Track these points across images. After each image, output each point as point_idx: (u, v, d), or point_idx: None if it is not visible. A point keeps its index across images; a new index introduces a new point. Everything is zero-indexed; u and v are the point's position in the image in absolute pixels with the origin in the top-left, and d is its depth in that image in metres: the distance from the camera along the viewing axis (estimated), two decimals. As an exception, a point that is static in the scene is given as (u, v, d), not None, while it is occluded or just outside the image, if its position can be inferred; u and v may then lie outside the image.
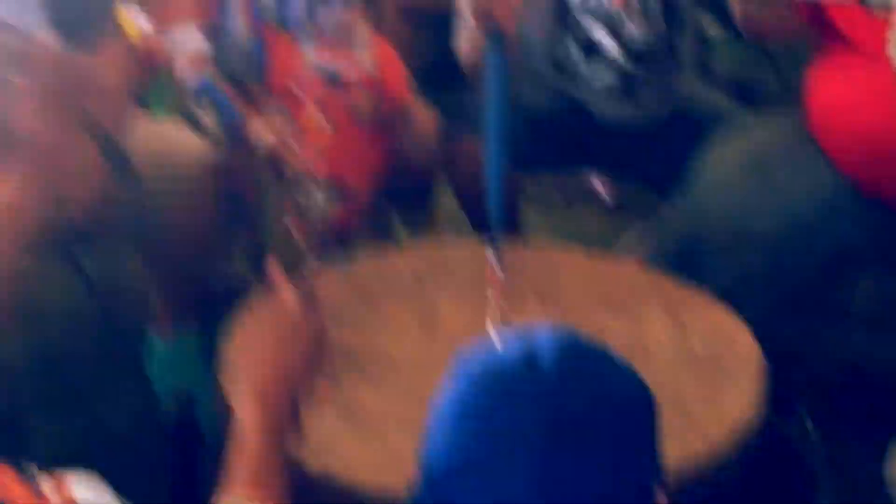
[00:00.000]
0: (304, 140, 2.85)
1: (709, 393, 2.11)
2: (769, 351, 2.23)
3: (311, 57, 2.93)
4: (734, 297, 2.46)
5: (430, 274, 2.47)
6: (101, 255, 3.15)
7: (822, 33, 2.66)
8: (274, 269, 1.62)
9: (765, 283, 2.63)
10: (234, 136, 2.84)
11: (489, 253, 2.25)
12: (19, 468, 1.26)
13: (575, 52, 2.94)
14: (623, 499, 1.22)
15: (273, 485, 1.51)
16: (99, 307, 3.15)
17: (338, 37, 2.93)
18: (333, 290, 2.39)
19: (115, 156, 2.31)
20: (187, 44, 2.91)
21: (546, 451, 1.19)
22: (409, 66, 3.14)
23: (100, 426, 2.86)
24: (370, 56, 2.95)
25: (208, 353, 2.32)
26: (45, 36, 2.59)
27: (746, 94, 4.35)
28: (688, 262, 2.68)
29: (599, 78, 2.95)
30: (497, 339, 1.30)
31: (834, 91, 2.64)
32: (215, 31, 2.93)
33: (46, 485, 1.27)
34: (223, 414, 2.09)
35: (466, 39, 2.87)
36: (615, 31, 2.93)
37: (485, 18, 2.51)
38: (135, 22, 2.95)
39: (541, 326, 1.29)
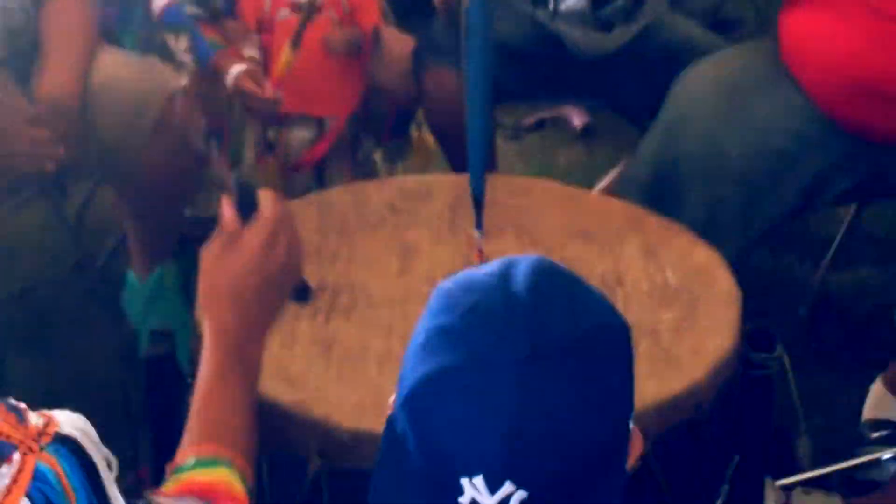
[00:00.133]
0: (277, 71, 2.83)
1: (685, 328, 2.11)
2: (744, 284, 2.23)
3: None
4: (707, 228, 2.46)
5: (408, 207, 2.46)
6: (76, 192, 3.15)
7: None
8: (226, 206, 1.60)
9: (738, 214, 2.63)
10: (206, 68, 2.82)
11: (472, 205, 2.22)
12: (6, 403, 1.26)
13: (548, -20, 2.93)
14: (599, 424, 1.21)
15: (238, 428, 1.51)
16: (74, 244, 3.15)
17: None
18: (309, 223, 2.39)
19: None
20: None
21: (521, 365, 1.19)
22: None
23: (76, 363, 2.87)
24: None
25: (185, 290, 2.32)
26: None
27: (721, 23, 4.34)
28: (662, 192, 2.67)
29: (571, 4, 2.93)
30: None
31: (807, 20, 2.63)
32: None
33: (34, 419, 1.26)
34: (200, 351, 2.10)
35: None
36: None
37: None
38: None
39: (517, 256, 1.29)
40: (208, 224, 2.84)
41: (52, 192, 3.00)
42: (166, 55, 2.85)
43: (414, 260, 2.29)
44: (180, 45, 2.84)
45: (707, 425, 2.02)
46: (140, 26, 2.97)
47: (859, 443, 2.56)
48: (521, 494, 1.18)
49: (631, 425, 1.26)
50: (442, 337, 1.22)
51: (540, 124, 3.85)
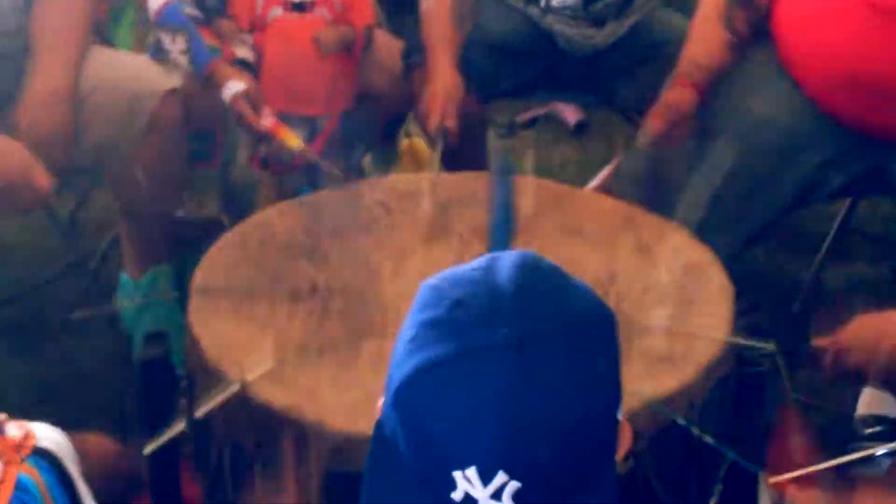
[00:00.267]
0: (269, 72, 2.82)
1: (679, 326, 2.11)
2: (738, 281, 2.23)
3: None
4: (702, 225, 2.47)
5: (400, 207, 2.46)
6: (69, 192, 3.14)
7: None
8: None
9: (733, 211, 2.63)
10: (202, 73, 2.81)
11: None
12: None
13: (540, -23, 2.93)
14: (589, 410, 1.22)
15: None
16: (67, 245, 3.15)
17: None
18: (301, 224, 2.39)
19: None
20: None
21: (509, 352, 1.19)
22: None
23: (70, 365, 2.87)
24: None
25: (178, 292, 2.32)
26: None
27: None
28: (656, 189, 2.67)
29: (563, 0, 2.93)
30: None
31: (800, 14, 2.63)
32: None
33: (12, 431, 1.27)
34: (192, 354, 2.10)
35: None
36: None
37: None
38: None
39: (501, 252, 1.30)
40: (202, 226, 2.86)
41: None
42: (160, 55, 2.84)
43: (407, 261, 2.29)
44: (177, 45, 2.83)
45: (700, 423, 2.01)
46: (132, 25, 2.96)
47: (853, 439, 2.55)
48: (514, 485, 1.18)
49: (620, 417, 1.26)
50: (429, 330, 1.22)
51: (533, 121, 3.85)
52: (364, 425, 1.70)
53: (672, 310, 2.15)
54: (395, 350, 1.25)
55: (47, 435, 1.36)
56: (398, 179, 2.66)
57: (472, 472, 1.18)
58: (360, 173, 3.05)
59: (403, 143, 3.16)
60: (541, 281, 1.25)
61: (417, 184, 2.56)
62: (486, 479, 1.18)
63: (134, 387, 2.24)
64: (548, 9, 2.94)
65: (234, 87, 2.77)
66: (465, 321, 1.22)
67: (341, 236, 2.36)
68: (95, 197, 3.27)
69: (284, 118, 2.88)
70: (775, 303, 3.02)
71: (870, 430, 2.62)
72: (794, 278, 3.15)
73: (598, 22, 2.96)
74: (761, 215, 2.66)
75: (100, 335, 2.94)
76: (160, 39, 2.85)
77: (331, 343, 2.08)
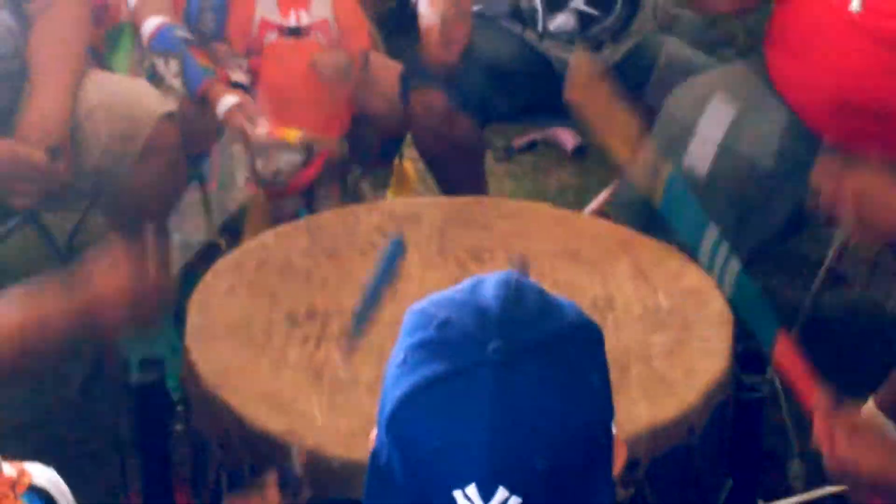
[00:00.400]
0: (265, 96, 2.82)
1: (677, 351, 2.11)
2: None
3: (272, 11, 2.90)
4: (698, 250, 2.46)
5: (397, 231, 2.45)
6: (64, 214, 3.14)
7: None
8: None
9: (728, 235, 2.63)
10: (195, 94, 2.81)
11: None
12: None
13: (537, 1, 2.93)
14: (583, 421, 1.22)
15: None
16: (64, 267, 3.13)
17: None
18: (298, 248, 2.38)
19: None
20: None
21: (500, 367, 1.20)
22: (371, 14, 3.12)
23: (65, 389, 2.86)
24: (331, 8, 2.93)
25: (175, 317, 2.31)
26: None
27: (711, 42, 4.35)
28: (653, 214, 2.67)
29: (560, 24, 2.93)
30: None
31: (792, 37, 2.64)
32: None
33: (7, 469, 1.27)
34: (188, 379, 2.09)
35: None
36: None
37: None
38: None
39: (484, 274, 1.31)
40: (200, 250, 2.85)
41: (40, 217, 2.99)
42: (155, 79, 2.84)
43: (404, 285, 2.28)
44: (170, 69, 2.83)
45: (699, 449, 2.01)
46: (129, 50, 2.96)
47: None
48: (515, 500, 1.18)
49: (614, 431, 1.27)
50: (419, 352, 1.23)
51: (531, 145, 3.85)
52: (362, 451, 1.70)
53: (670, 335, 2.15)
54: (386, 378, 1.26)
55: (42, 474, 1.36)
56: (396, 203, 2.65)
57: (472, 490, 1.18)
58: (356, 195, 3.05)
59: (398, 166, 3.16)
60: (525, 297, 1.26)
61: (415, 208, 2.56)
62: (486, 496, 1.18)
63: (130, 411, 2.24)
64: (545, 33, 2.95)
65: (228, 101, 2.78)
66: (455, 339, 1.22)
67: (339, 259, 2.36)
68: (92, 220, 3.26)
69: (280, 143, 2.88)
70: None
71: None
72: (790, 303, 3.14)
73: (595, 46, 2.97)
74: (756, 239, 2.66)
75: (96, 359, 2.93)
76: (154, 64, 2.85)
77: (328, 367, 2.07)
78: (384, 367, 1.26)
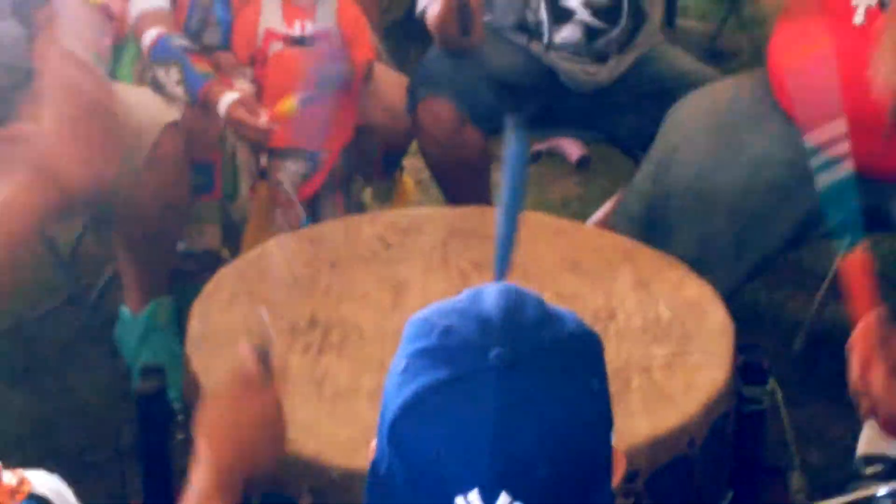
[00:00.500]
0: (270, 106, 2.83)
1: (678, 363, 2.11)
2: (738, 318, 2.23)
3: (276, 21, 2.91)
4: (700, 261, 2.46)
5: (400, 241, 2.46)
6: (69, 225, 3.14)
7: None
8: (245, 351, 1.63)
9: (730, 248, 2.63)
10: (197, 98, 2.82)
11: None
12: None
13: (543, 14, 2.93)
14: (584, 426, 1.23)
15: None
16: (67, 278, 3.14)
17: (302, 0, 2.91)
18: (301, 258, 2.38)
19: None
20: (146, 1, 2.88)
21: (501, 373, 1.21)
22: (376, 25, 3.12)
23: (68, 398, 2.86)
24: (335, 19, 2.93)
25: (178, 325, 2.31)
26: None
27: (716, 54, 4.35)
28: (655, 225, 2.67)
29: (566, 37, 2.93)
30: None
31: (796, 50, 2.63)
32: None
33: (7, 478, 1.27)
34: (190, 387, 2.09)
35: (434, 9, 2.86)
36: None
37: None
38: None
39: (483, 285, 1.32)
40: (201, 259, 2.86)
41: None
42: (158, 88, 2.85)
43: (406, 294, 2.29)
44: (171, 77, 2.84)
45: (700, 460, 2.01)
46: (132, 61, 2.97)
47: (854, 478, 2.54)
48: None
49: (613, 441, 1.27)
50: (421, 359, 1.24)
51: (535, 156, 3.84)
52: (362, 461, 1.70)
53: (671, 346, 2.15)
54: (387, 386, 1.26)
55: (42, 481, 1.36)
56: (397, 214, 2.65)
57: (474, 495, 1.19)
58: (359, 206, 3.05)
59: (401, 178, 3.17)
60: (526, 307, 1.27)
61: (417, 219, 2.56)
62: (489, 501, 1.19)
63: (132, 420, 2.24)
64: (550, 45, 2.95)
65: (228, 98, 2.78)
66: (457, 347, 1.23)
67: (341, 269, 2.36)
68: (96, 229, 3.26)
69: (284, 153, 2.88)
70: (776, 340, 3.01)
71: (871, 470, 2.60)
72: (794, 315, 3.14)
73: (601, 58, 2.97)
74: (760, 252, 2.66)
75: (98, 368, 2.94)
76: (155, 74, 2.86)
77: (329, 377, 2.07)
78: (385, 377, 1.27)
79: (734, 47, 4.47)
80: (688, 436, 1.98)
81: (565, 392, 1.23)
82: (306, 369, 2.09)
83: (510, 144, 2.08)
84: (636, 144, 3.11)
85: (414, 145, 3.08)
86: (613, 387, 1.29)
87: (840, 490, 2.09)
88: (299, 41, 2.91)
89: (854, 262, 2.00)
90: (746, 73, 3.06)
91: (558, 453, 1.21)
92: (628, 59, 3.00)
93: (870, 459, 2.61)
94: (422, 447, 1.22)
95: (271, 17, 2.91)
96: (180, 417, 2.14)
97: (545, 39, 2.95)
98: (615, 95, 3.01)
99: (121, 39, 2.97)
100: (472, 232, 2.48)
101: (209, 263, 2.67)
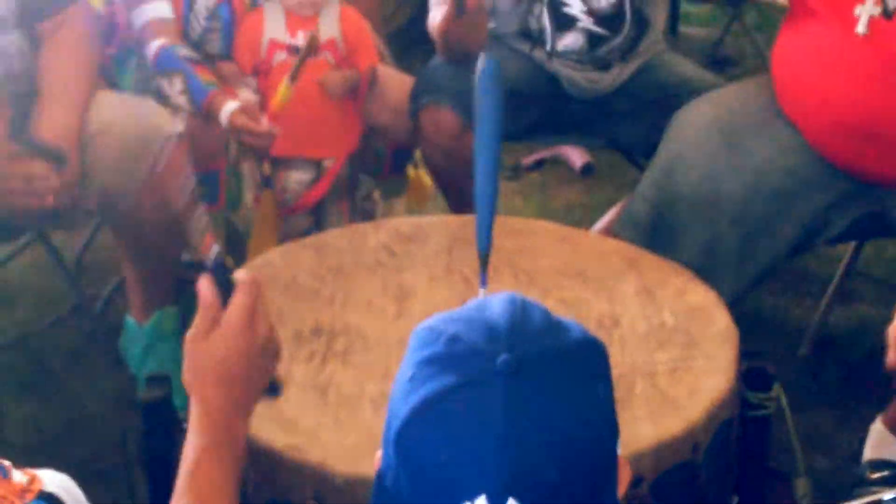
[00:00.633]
0: (274, 105, 2.83)
1: (682, 369, 2.11)
2: (743, 324, 2.23)
3: (280, 31, 2.91)
4: (705, 267, 2.46)
5: (404, 249, 2.46)
6: (74, 235, 3.15)
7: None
8: (204, 286, 1.60)
9: (735, 254, 2.63)
10: (200, 108, 2.82)
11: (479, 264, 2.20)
12: None
13: (546, 21, 2.93)
14: (591, 432, 1.23)
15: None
16: (73, 288, 3.14)
17: (306, 9, 2.91)
18: (306, 266, 2.39)
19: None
20: (150, 12, 2.89)
21: (509, 378, 1.21)
22: (380, 31, 3.13)
23: (74, 407, 2.86)
24: (338, 27, 2.94)
25: (183, 335, 2.31)
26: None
27: (720, 61, 4.36)
28: (660, 232, 2.67)
29: (569, 44, 2.94)
30: None
31: (799, 58, 2.64)
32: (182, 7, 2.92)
33: (18, 477, 1.27)
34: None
35: (436, 16, 2.86)
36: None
37: None
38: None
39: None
40: (206, 269, 2.86)
41: (50, 236, 3.01)
42: (162, 99, 2.85)
43: (410, 302, 2.29)
44: (174, 87, 2.85)
45: (705, 466, 2.01)
46: (136, 68, 2.98)
47: (859, 483, 2.54)
48: None
49: (619, 451, 1.27)
50: (428, 367, 1.24)
51: (539, 164, 3.85)
52: (367, 468, 1.70)
53: (675, 352, 2.15)
54: (393, 394, 1.26)
55: (53, 480, 1.36)
56: (402, 221, 2.65)
57: (481, 501, 1.19)
58: (365, 213, 3.05)
59: (410, 174, 3.16)
60: (531, 314, 1.28)
61: (421, 226, 2.57)
62: None
63: (138, 429, 2.24)
64: (553, 52, 2.95)
65: (230, 106, 2.79)
66: (464, 354, 1.24)
67: (345, 277, 2.36)
68: (101, 240, 3.27)
69: (288, 162, 2.89)
70: (781, 345, 3.01)
71: (876, 475, 2.60)
72: (799, 321, 3.14)
73: (604, 66, 2.98)
74: (764, 258, 2.66)
75: (104, 377, 2.94)
76: (160, 85, 2.87)
77: (333, 384, 2.07)
78: (390, 385, 1.27)
79: (737, 54, 4.47)
80: (692, 441, 1.98)
81: (572, 398, 1.24)
82: (311, 377, 2.09)
83: (481, 75, 2.06)
84: (640, 151, 3.12)
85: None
86: (618, 393, 1.29)
87: (846, 495, 2.08)
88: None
89: None
90: (750, 79, 3.06)
91: (566, 459, 1.21)
92: (631, 66, 3.00)
93: (876, 464, 2.61)
94: (429, 453, 1.22)
95: (274, 27, 2.92)
96: (186, 425, 2.14)
97: (548, 46, 2.95)
98: (618, 103, 3.01)
99: (124, 48, 2.98)
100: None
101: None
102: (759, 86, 2.80)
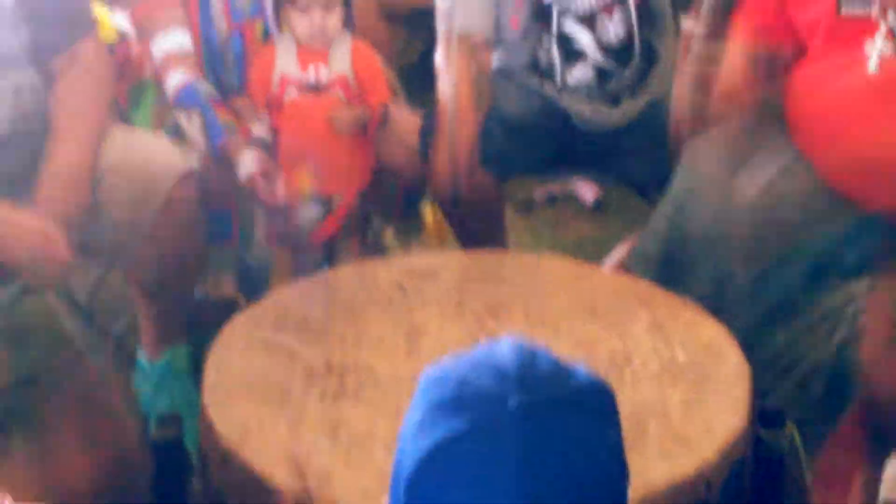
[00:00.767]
0: (285, 151, 2.84)
1: (694, 407, 2.10)
2: (754, 361, 2.22)
3: (291, 66, 2.92)
4: (716, 303, 2.45)
5: (415, 286, 2.46)
6: (85, 274, 3.14)
7: (800, 38, 2.67)
8: None
9: (747, 290, 2.62)
10: (216, 149, 2.83)
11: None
12: None
13: (555, 55, 2.94)
14: (603, 473, 1.24)
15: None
16: (84, 327, 3.14)
17: (316, 44, 2.92)
18: (316, 303, 2.39)
19: None
20: (169, 43, 2.89)
21: (520, 422, 1.22)
22: (391, 66, 3.13)
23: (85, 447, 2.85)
24: (349, 62, 2.94)
25: (195, 374, 2.31)
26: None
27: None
28: (671, 267, 2.67)
29: (578, 78, 2.94)
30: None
31: (811, 94, 2.64)
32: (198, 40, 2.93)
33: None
34: (206, 436, 2.09)
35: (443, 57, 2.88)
36: (594, 31, 2.92)
37: None
38: (113, 23, 2.93)
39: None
40: (219, 306, 2.86)
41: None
42: (178, 134, 2.86)
43: (422, 340, 2.29)
44: (193, 124, 2.85)
45: (718, 504, 2.00)
46: (151, 106, 2.98)
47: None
48: None
49: (629, 493, 1.28)
50: (438, 410, 1.25)
51: (551, 199, 3.85)
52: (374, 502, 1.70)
53: (687, 390, 2.14)
54: (401, 440, 1.26)
55: None
56: (414, 259, 2.65)
57: None
58: (377, 250, 3.05)
59: (427, 212, 3.16)
60: (540, 358, 1.29)
61: (433, 263, 2.56)
62: None
63: (149, 468, 2.23)
64: (563, 87, 2.96)
65: (248, 162, 2.79)
66: (474, 397, 1.24)
67: (356, 314, 2.36)
68: (113, 277, 3.27)
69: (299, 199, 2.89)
70: (794, 383, 3.00)
71: (892, 513, 2.59)
72: (812, 358, 3.13)
73: (614, 100, 2.98)
74: (776, 293, 2.65)
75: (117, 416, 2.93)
76: (177, 118, 2.87)
77: (344, 423, 2.07)
78: (400, 424, 1.27)
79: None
80: (705, 480, 1.97)
81: (583, 439, 1.24)
82: (322, 415, 2.08)
83: None
84: (651, 185, 3.11)
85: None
86: (630, 430, 1.30)
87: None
88: (314, 87, 2.92)
89: None
90: (760, 112, 3.06)
91: (580, 499, 1.21)
92: (640, 101, 3.00)
93: (893, 504, 2.60)
94: (443, 497, 1.22)
95: (286, 62, 2.93)
96: (196, 465, 2.14)
97: (558, 81, 2.95)
98: (628, 138, 3.01)
99: (139, 81, 2.99)
100: (488, 276, 2.48)
101: (226, 310, 2.67)
102: (770, 118, 2.80)
